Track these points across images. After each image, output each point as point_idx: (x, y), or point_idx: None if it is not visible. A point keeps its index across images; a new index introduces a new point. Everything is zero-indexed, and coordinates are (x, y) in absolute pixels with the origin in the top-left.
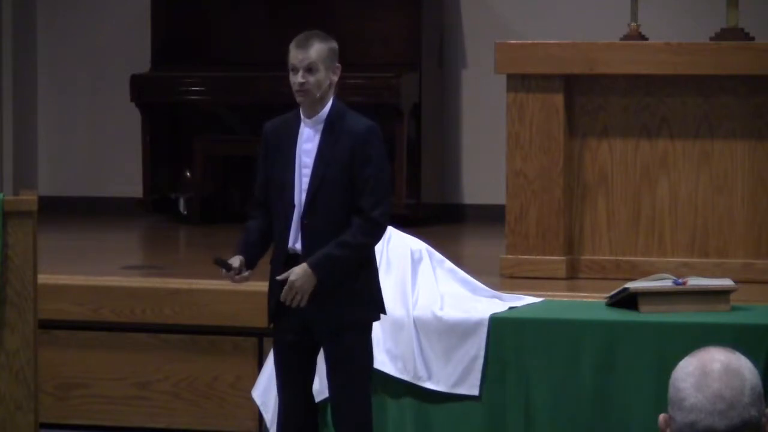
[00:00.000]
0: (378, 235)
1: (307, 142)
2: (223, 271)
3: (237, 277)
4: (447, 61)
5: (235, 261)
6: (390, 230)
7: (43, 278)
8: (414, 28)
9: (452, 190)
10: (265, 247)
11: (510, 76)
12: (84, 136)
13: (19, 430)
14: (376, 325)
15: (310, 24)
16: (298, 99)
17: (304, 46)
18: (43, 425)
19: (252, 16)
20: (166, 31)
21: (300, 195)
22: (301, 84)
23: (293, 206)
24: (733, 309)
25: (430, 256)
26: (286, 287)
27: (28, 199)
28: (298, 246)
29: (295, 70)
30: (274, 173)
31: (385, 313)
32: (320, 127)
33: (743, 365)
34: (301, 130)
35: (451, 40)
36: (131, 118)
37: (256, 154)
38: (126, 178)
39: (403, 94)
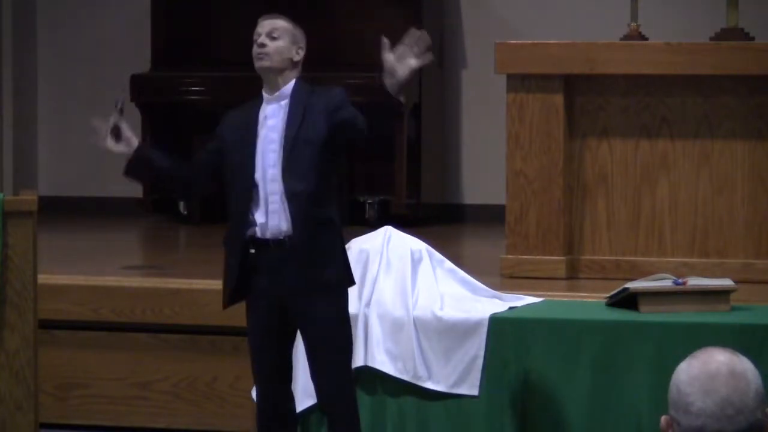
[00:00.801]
0: (363, 123)
1: (272, 118)
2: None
3: (109, 131)
4: (447, 61)
5: (126, 131)
6: (390, 230)
7: (43, 278)
8: (414, 28)
9: (452, 190)
10: (163, 169)
11: (510, 76)
12: (84, 136)
13: (19, 430)
14: (375, 324)
15: (310, 24)
16: (257, 64)
17: (269, 17)
18: (43, 425)
19: (252, 16)
20: (166, 31)
21: (266, 171)
22: (261, 45)
23: (255, 184)
24: (733, 309)
25: (430, 256)
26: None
27: (28, 199)
28: (275, 221)
29: (258, 37)
30: (230, 156)
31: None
32: (286, 102)
33: (747, 368)
34: (262, 109)
35: (451, 40)
36: (131, 118)
37: None
38: (126, 179)
39: (403, 94)
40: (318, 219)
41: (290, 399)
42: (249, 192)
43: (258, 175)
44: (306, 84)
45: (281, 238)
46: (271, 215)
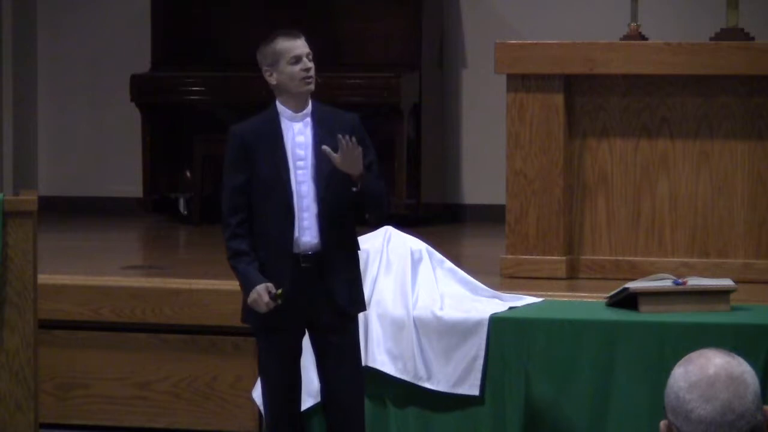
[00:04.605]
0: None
1: (299, 135)
2: (270, 301)
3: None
4: (447, 61)
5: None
6: (390, 230)
7: (43, 278)
8: (414, 28)
9: (452, 190)
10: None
11: (510, 76)
12: (84, 136)
13: (19, 430)
14: (376, 324)
15: (311, 24)
16: (306, 88)
17: (299, 36)
18: (43, 425)
19: (252, 16)
20: (166, 31)
21: (298, 187)
22: (310, 69)
23: (291, 200)
24: (733, 309)
25: (430, 256)
26: (349, 144)
27: (28, 199)
28: (307, 237)
29: (299, 59)
30: (259, 173)
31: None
32: (308, 120)
33: (745, 370)
34: (286, 125)
35: (451, 40)
36: (131, 118)
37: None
38: (126, 178)
39: (403, 94)
40: (346, 234)
41: (300, 407)
42: (286, 209)
43: (294, 192)
44: (316, 102)
45: (311, 253)
46: (303, 231)
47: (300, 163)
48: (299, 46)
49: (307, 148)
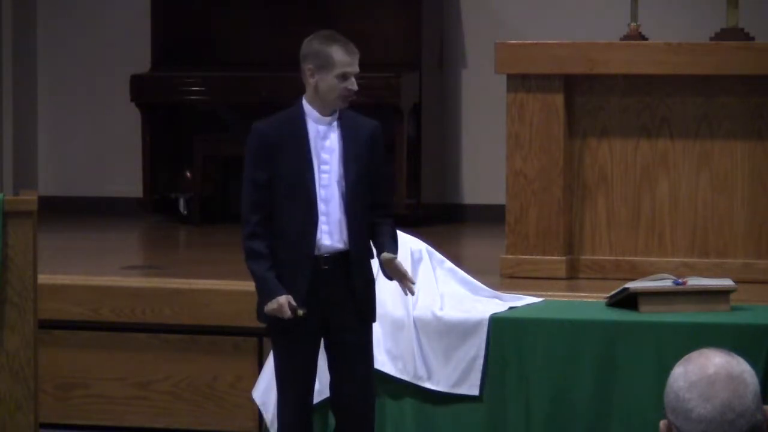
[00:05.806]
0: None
1: (325, 138)
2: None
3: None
4: (447, 61)
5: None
6: None
7: (43, 278)
8: (414, 28)
9: (452, 190)
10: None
11: (510, 76)
12: (84, 135)
13: (19, 430)
14: (376, 325)
15: (311, 24)
16: (342, 104)
17: (356, 53)
18: (43, 425)
19: (252, 16)
20: (166, 31)
21: (321, 189)
22: (353, 91)
23: (315, 202)
24: (733, 309)
25: (430, 256)
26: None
27: (28, 199)
28: (329, 240)
29: (347, 77)
30: (282, 173)
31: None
32: (335, 124)
33: (744, 369)
34: (312, 127)
35: (451, 40)
36: (131, 118)
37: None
38: (126, 178)
39: (403, 94)
40: (365, 237)
41: (312, 408)
42: (309, 210)
43: (318, 195)
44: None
45: (331, 255)
46: (325, 233)
47: (325, 167)
48: (353, 64)
49: (333, 152)
